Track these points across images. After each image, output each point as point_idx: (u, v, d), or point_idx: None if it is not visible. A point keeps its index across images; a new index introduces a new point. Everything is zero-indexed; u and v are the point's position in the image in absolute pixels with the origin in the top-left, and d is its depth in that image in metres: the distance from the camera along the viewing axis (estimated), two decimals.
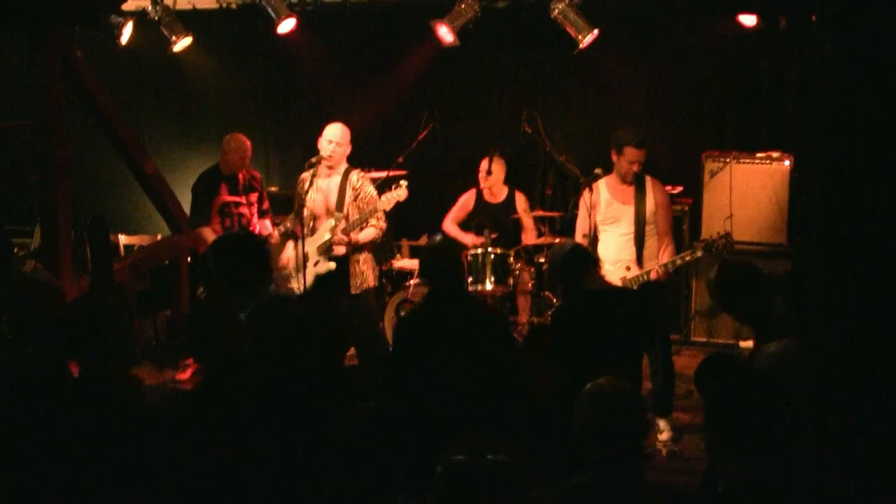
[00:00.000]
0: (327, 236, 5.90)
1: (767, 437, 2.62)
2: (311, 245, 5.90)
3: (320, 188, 5.99)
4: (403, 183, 5.88)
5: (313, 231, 6.05)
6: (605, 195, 5.83)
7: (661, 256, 5.72)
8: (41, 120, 5.73)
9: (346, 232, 5.86)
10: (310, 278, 5.87)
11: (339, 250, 5.96)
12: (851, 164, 1.78)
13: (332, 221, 5.92)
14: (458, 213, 7.35)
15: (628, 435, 2.64)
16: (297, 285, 5.97)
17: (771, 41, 7.25)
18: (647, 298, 5.34)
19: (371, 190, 5.95)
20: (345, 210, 5.91)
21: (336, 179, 5.97)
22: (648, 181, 5.82)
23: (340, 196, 5.93)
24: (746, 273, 3.97)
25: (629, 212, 5.75)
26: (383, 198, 5.87)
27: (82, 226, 6.20)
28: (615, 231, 5.78)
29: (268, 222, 6.89)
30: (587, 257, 4.69)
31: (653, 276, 5.58)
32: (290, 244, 6.25)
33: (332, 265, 5.92)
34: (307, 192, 5.96)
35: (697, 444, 5.29)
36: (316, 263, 5.93)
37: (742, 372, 2.99)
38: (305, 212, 5.97)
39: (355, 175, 5.98)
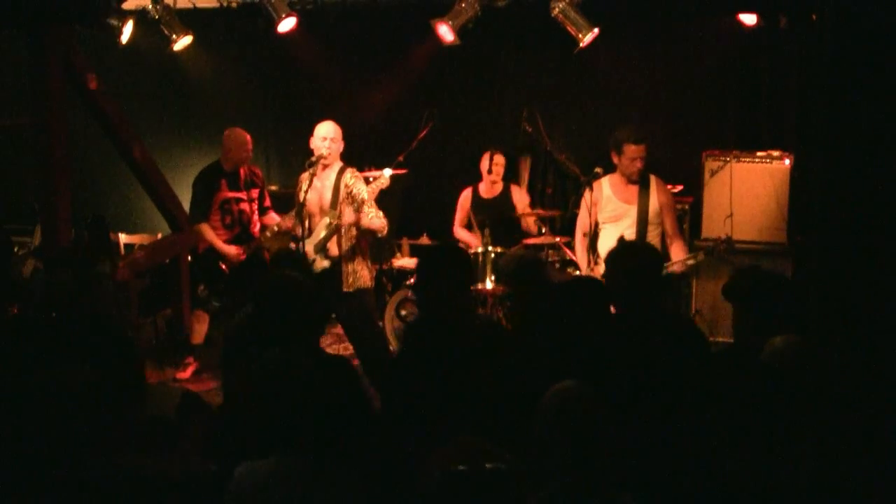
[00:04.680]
0: (323, 234, 5.91)
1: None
2: (309, 244, 5.92)
3: (315, 187, 5.99)
4: (386, 171, 5.91)
5: (310, 231, 6.06)
6: (607, 193, 5.84)
7: (676, 254, 5.75)
8: (41, 119, 5.73)
9: (356, 211, 5.84)
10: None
11: (333, 251, 5.96)
12: (851, 163, 1.79)
13: (327, 220, 5.93)
14: (460, 216, 7.37)
15: (591, 441, 2.54)
16: None
17: (771, 40, 7.25)
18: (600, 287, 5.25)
19: (363, 187, 5.95)
20: (338, 208, 5.91)
21: (331, 178, 5.98)
22: (653, 181, 5.83)
23: (335, 194, 5.94)
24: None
25: (632, 211, 5.76)
26: (367, 188, 5.88)
27: (82, 225, 6.20)
28: (616, 229, 5.79)
29: (273, 214, 6.91)
30: (538, 260, 4.66)
31: (677, 269, 5.62)
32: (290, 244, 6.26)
33: (328, 263, 5.94)
34: (305, 192, 5.98)
35: None
36: (313, 262, 5.94)
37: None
38: (303, 211, 5.99)
39: (349, 174, 5.98)
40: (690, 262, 5.71)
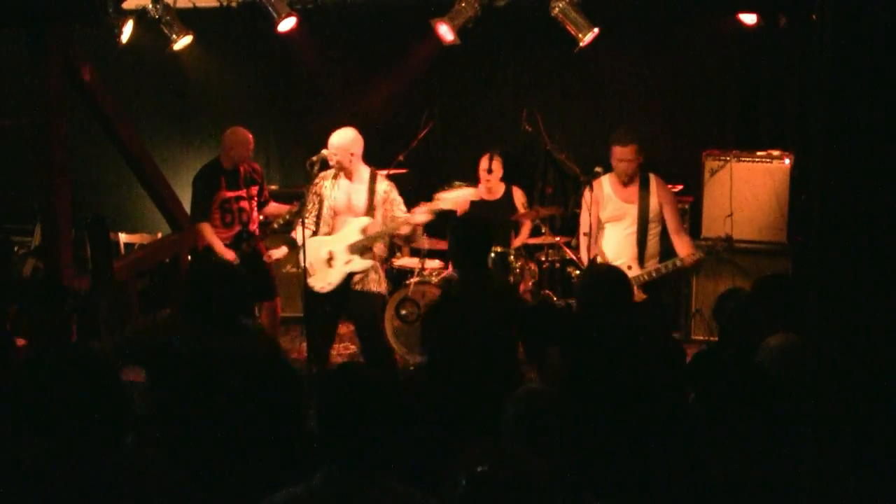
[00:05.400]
0: (360, 237, 5.91)
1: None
2: (340, 243, 5.92)
3: (341, 187, 5.99)
4: (445, 199, 6.05)
5: (333, 228, 6.06)
6: (607, 192, 5.85)
7: (682, 250, 5.74)
8: (41, 119, 5.74)
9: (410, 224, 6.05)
10: (339, 275, 5.92)
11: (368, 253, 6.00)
12: (851, 163, 1.78)
13: (364, 220, 5.92)
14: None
15: (556, 443, 2.55)
16: (319, 283, 5.99)
17: (771, 40, 7.25)
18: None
19: (397, 195, 6.04)
20: (375, 214, 5.95)
21: (363, 182, 5.99)
22: (653, 180, 5.82)
23: (370, 199, 5.95)
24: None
25: (632, 210, 5.77)
26: (443, 196, 6.01)
27: (82, 224, 6.20)
28: (617, 229, 5.81)
29: (274, 203, 6.93)
30: None
31: (689, 261, 5.65)
32: (311, 241, 6.16)
33: (368, 263, 5.95)
34: (331, 191, 5.98)
35: None
36: (348, 262, 5.94)
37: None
38: (326, 210, 5.99)
39: (385, 183, 6.04)
40: (692, 259, 5.68)
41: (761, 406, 2.70)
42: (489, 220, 5.42)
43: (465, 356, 4.11)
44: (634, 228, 5.75)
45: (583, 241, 5.94)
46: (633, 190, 5.78)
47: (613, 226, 5.82)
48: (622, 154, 5.72)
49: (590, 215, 5.80)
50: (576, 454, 2.56)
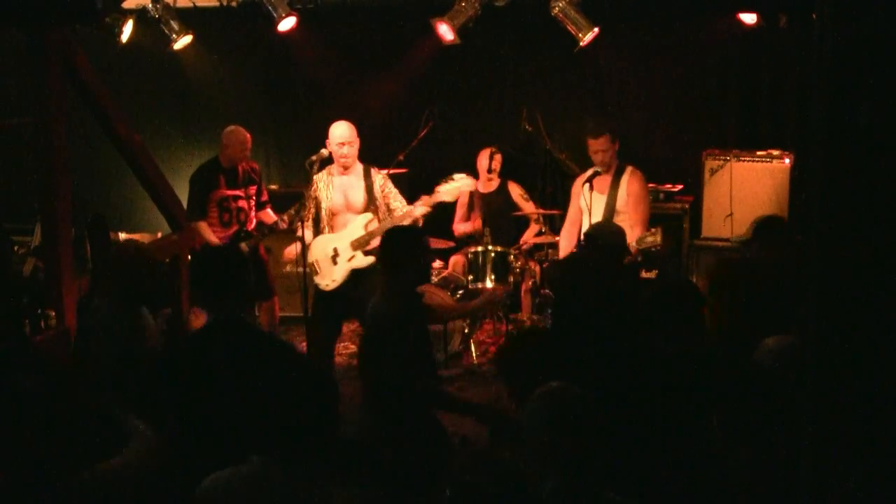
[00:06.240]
0: (362, 232, 5.95)
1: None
2: (344, 240, 5.96)
3: (337, 186, 6.04)
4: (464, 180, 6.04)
5: (332, 228, 6.09)
6: (585, 184, 5.99)
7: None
8: (41, 119, 5.73)
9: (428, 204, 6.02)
10: (343, 272, 5.98)
11: (375, 243, 6.03)
12: (851, 163, 1.78)
13: (367, 216, 5.99)
14: (460, 213, 7.42)
15: (580, 441, 2.55)
16: (325, 281, 6.03)
17: (771, 39, 7.26)
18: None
19: (392, 186, 6.13)
20: (378, 205, 6.04)
21: (358, 178, 6.05)
22: (627, 172, 5.96)
23: (369, 193, 6.01)
24: None
25: (602, 201, 5.90)
26: (442, 189, 5.99)
27: (82, 224, 6.20)
28: (590, 220, 5.92)
29: (269, 210, 6.94)
30: None
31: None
32: (318, 239, 6.18)
33: (372, 259, 5.99)
34: (326, 191, 6.02)
35: None
36: (351, 258, 5.97)
37: None
38: (324, 211, 6.03)
39: (380, 176, 6.13)
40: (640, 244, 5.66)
41: (761, 406, 2.70)
42: (413, 229, 5.50)
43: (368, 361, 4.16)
44: (601, 217, 5.86)
45: (562, 237, 6.10)
46: (607, 180, 5.91)
47: (587, 217, 5.95)
48: (596, 146, 5.90)
49: (589, 212, 5.90)
50: (596, 452, 2.55)
